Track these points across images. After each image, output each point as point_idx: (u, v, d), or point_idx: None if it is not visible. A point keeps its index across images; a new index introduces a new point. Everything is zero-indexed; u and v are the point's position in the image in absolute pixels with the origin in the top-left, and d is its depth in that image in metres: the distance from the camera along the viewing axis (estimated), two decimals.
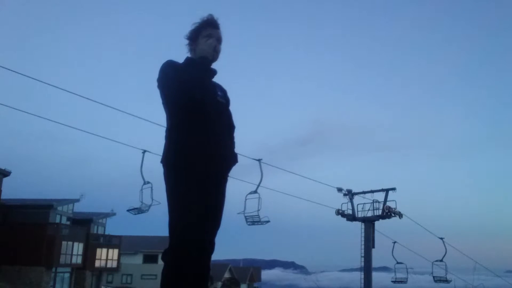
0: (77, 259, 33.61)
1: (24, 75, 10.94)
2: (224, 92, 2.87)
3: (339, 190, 22.74)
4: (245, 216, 14.81)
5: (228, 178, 2.79)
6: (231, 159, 2.78)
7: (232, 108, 2.93)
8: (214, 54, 2.71)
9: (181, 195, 2.51)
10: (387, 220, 22.41)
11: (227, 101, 2.86)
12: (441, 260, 25.83)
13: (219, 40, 2.74)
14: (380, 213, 22.29)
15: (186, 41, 2.78)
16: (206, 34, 2.70)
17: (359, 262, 22.62)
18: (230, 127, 2.86)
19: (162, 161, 2.63)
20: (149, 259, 46.94)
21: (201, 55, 2.69)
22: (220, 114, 2.70)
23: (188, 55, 2.78)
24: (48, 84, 11.38)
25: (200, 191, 2.53)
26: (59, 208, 33.34)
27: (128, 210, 16.00)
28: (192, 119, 2.56)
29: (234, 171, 2.83)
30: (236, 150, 2.88)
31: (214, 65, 2.77)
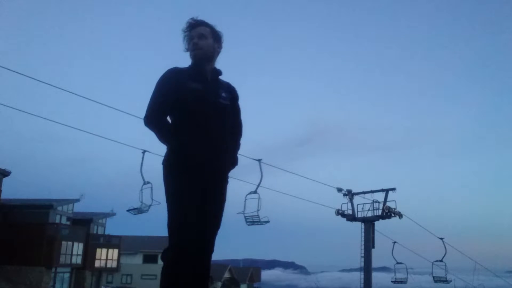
0: (77, 259, 33.57)
1: (24, 75, 10.96)
2: (230, 92, 2.84)
3: (339, 190, 22.74)
4: (245, 216, 14.84)
5: (229, 179, 2.80)
6: (230, 161, 2.79)
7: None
8: (197, 51, 2.72)
9: (180, 196, 2.53)
10: (387, 220, 22.42)
11: (232, 101, 2.82)
12: (441, 260, 25.86)
13: (199, 36, 2.73)
14: (380, 213, 22.29)
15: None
16: (188, 39, 2.75)
17: (359, 262, 22.63)
18: (234, 128, 2.85)
19: (163, 163, 2.66)
20: (149, 259, 46.92)
21: (192, 60, 2.75)
22: (220, 115, 2.67)
23: None
24: (48, 84, 11.41)
25: (199, 192, 2.55)
26: (59, 208, 33.30)
27: (128, 210, 16.04)
28: (191, 121, 2.59)
29: (234, 171, 2.84)
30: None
31: (217, 65, 2.81)
